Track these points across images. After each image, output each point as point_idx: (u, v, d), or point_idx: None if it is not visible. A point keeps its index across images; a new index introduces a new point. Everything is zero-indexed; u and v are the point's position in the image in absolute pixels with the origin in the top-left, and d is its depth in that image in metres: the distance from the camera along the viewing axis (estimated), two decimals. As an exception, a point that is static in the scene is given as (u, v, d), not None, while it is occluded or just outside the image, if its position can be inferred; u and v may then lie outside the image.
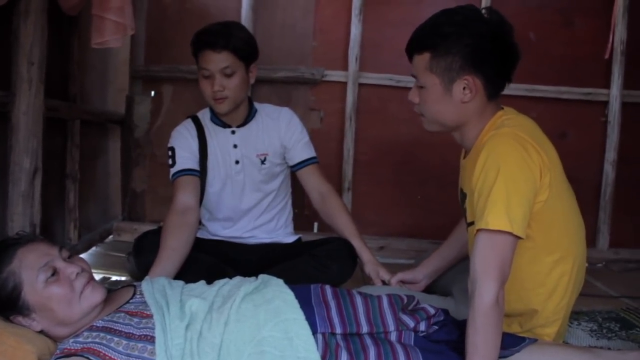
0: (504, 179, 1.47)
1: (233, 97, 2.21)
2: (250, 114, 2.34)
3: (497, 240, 1.45)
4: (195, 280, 1.65)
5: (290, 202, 2.52)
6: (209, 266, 2.13)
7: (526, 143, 1.53)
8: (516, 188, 1.47)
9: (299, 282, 1.64)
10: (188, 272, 1.98)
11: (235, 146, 2.31)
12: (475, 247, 1.48)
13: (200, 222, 2.35)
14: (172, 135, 2.34)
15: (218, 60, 2.16)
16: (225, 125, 2.32)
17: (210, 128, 2.33)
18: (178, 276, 1.93)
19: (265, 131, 2.34)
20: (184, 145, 2.28)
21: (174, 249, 2.02)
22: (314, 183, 2.35)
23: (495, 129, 1.60)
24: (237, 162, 2.31)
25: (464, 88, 1.60)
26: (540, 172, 1.53)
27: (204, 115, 2.36)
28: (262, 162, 2.33)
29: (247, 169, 2.32)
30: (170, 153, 2.29)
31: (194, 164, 2.27)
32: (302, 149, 2.36)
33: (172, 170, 2.26)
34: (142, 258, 2.12)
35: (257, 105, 2.39)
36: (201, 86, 2.21)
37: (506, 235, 1.45)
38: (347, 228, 2.26)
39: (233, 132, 2.32)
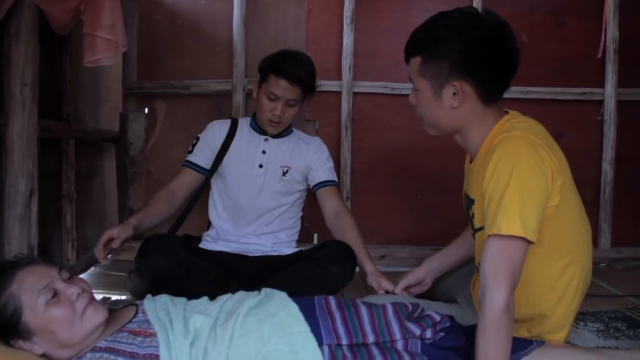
0: (517, 183, 1.43)
1: (285, 124, 2.41)
2: (287, 131, 2.48)
3: (509, 246, 1.42)
4: (201, 286, 1.66)
5: (299, 222, 2.59)
6: (214, 274, 2.16)
7: (538, 146, 1.49)
8: (529, 192, 1.44)
9: (299, 287, 1.64)
10: (195, 278, 2.07)
11: (263, 152, 2.43)
12: (485, 252, 1.45)
13: (208, 226, 2.50)
14: (207, 127, 2.53)
15: (290, 92, 2.31)
16: (262, 132, 2.44)
17: (245, 131, 2.49)
18: (185, 281, 2.02)
19: (294, 149, 2.47)
20: (208, 141, 2.47)
21: (155, 211, 2.32)
22: (331, 202, 2.42)
23: (504, 132, 1.55)
24: (260, 165, 2.42)
25: (453, 94, 1.58)
26: (552, 176, 1.49)
27: (245, 121, 2.54)
28: (284, 173, 2.43)
29: (268, 175, 2.42)
30: (195, 141, 2.50)
31: (206, 163, 2.46)
32: (324, 172, 2.48)
33: (187, 157, 2.48)
34: (147, 260, 2.12)
35: (293, 128, 2.54)
36: (262, 103, 2.35)
37: (518, 240, 1.42)
38: (354, 242, 2.27)
39: (266, 140, 2.44)
